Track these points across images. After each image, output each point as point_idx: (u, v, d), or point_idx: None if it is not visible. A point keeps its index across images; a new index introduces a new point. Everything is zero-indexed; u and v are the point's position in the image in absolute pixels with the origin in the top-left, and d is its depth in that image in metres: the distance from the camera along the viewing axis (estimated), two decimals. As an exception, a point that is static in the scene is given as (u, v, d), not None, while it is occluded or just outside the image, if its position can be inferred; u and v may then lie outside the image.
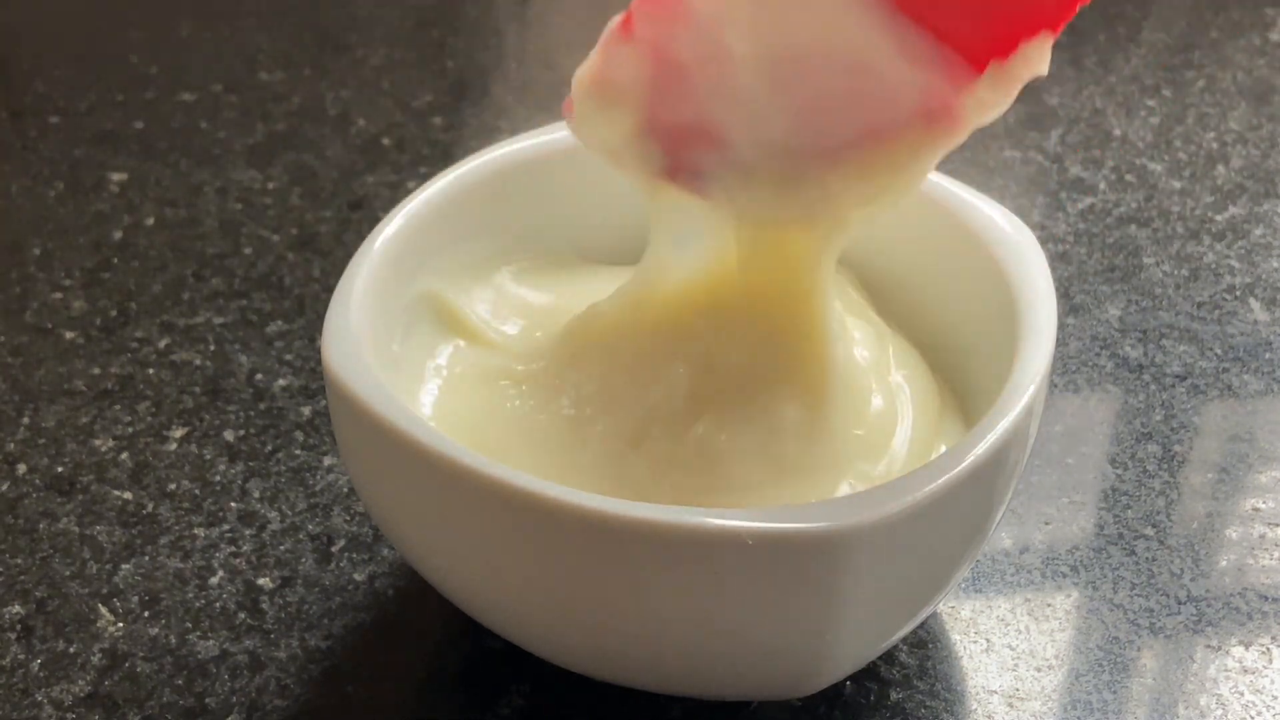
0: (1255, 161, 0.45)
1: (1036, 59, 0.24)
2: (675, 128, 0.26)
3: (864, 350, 0.29)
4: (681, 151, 0.26)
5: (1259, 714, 0.28)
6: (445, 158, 0.46)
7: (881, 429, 0.27)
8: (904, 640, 0.29)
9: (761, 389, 0.27)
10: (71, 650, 0.29)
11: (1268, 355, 0.37)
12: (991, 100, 0.24)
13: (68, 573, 0.31)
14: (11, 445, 0.34)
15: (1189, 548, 0.31)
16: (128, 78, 0.50)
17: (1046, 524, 0.32)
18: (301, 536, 0.31)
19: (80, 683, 0.28)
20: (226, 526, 0.32)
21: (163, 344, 0.37)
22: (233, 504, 0.32)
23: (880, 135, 0.25)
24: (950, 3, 0.24)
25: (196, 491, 0.33)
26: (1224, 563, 0.31)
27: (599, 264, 0.32)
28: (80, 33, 0.54)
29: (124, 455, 0.34)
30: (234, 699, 0.28)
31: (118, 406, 0.35)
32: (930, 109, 0.24)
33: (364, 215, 0.42)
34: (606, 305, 0.28)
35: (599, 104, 0.26)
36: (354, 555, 0.31)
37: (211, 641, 0.29)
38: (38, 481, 0.33)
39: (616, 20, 0.25)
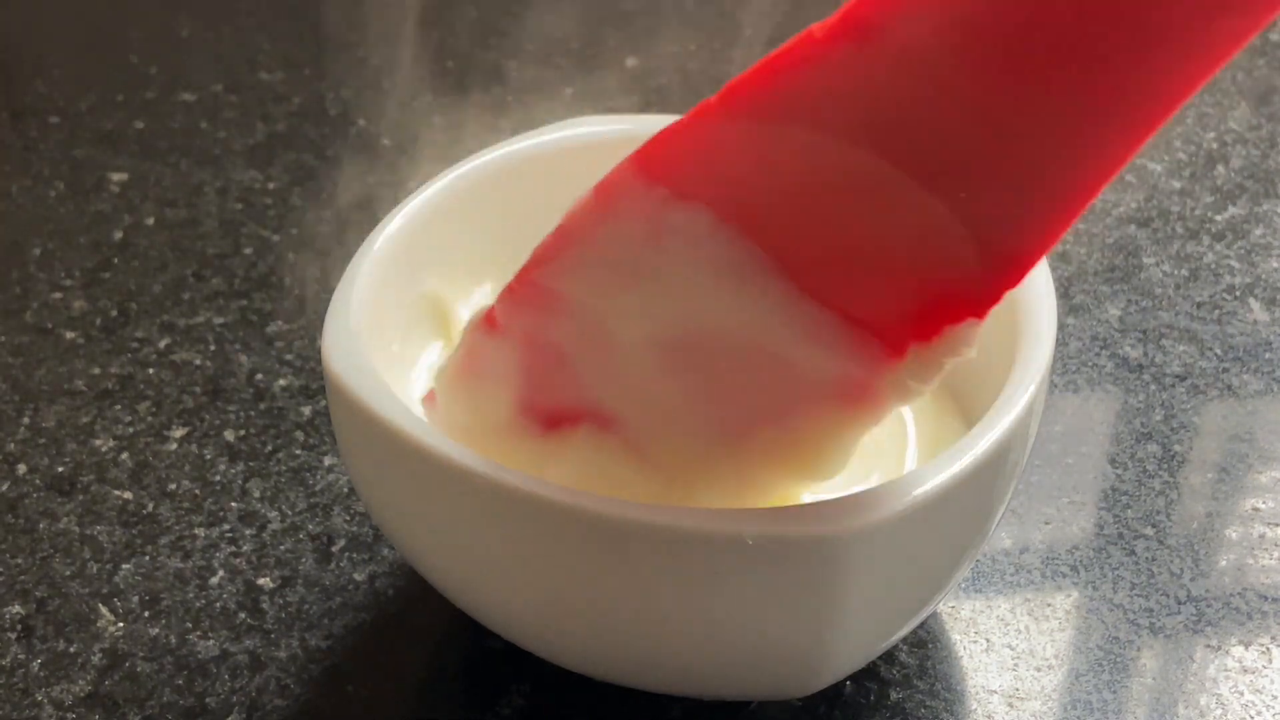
0: (1255, 161, 0.45)
1: (962, 342, 0.22)
2: (554, 410, 0.24)
3: None
4: (565, 427, 0.24)
5: (1259, 714, 0.28)
6: (445, 158, 0.46)
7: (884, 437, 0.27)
8: (904, 640, 0.29)
9: None
10: (72, 650, 0.29)
11: (1268, 355, 0.37)
12: (911, 385, 0.23)
13: (68, 573, 0.31)
14: (11, 445, 0.34)
15: (1189, 548, 0.31)
16: (128, 78, 0.50)
17: (1046, 524, 0.32)
18: (301, 536, 0.31)
19: (80, 683, 0.28)
20: (227, 526, 0.32)
21: (163, 344, 0.37)
22: (233, 504, 0.32)
23: (791, 415, 0.23)
24: (862, 293, 0.22)
25: (197, 491, 0.33)
26: (1224, 563, 0.31)
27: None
28: (80, 33, 0.54)
29: (124, 455, 0.34)
30: (234, 699, 0.28)
31: (118, 406, 0.35)
32: (845, 392, 0.23)
33: (364, 215, 0.42)
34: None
35: (467, 393, 0.24)
36: (354, 555, 0.31)
37: (211, 641, 0.29)
38: (38, 481, 0.33)
39: (478, 315, 0.24)
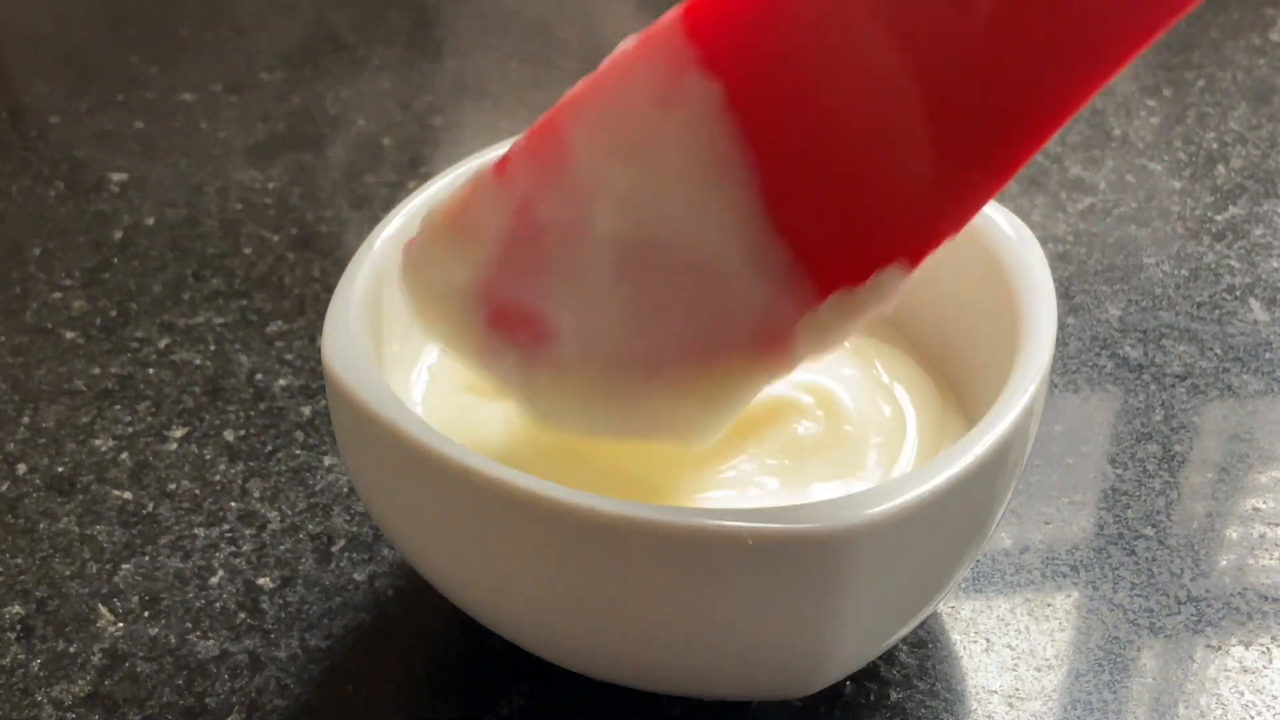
0: (1255, 161, 0.45)
1: (887, 289, 0.23)
2: (506, 302, 0.24)
3: (842, 379, 0.29)
4: (504, 328, 0.25)
5: (1259, 714, 0.28)
6: (445, 158, 0.46)
7: (886, 443, 0.28)
8: (904, 640, 0.29)
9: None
10: (71, 650, 0.29)
11: (1268, 355, 0.37)
12: (829, 325, 0.23)
13: (68, 573, 0.31)
14: (11, 445, 0.34)
15: (1189, 548, 0.31)
16: (128, 78, 0.50)
17: (1046, 524, 0.32)
18: (301, 536, 0.31)
19: (80, 683, 0.28)
20: (226, 526, 0.32)
21: (163, 344, 0.37)
22: (233, 504, 0.32)
23: (707, 352, 0.24)
24: (821, 220, 0.23)
25: (196, 491, 0.33)
26: (1224, 563, 0.31)
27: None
28: (80, 33, 0.54)
29: (124, 455, 0.34)
30: (234, 699, 0.28)
31: (118, 406, 0.35)
32: (764, 332, 0.23)
33: (364, 215, 0.42)
34: None
35: (445, 246, 0.24)
36: (354, 555, 0.31)
37: (211, 641, 0.29)
38: (38, 481, 0.33)
39: (491, 161, 0.24)
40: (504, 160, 0.24)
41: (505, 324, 0.24)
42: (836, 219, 0.23)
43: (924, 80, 0.21)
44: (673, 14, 0.23)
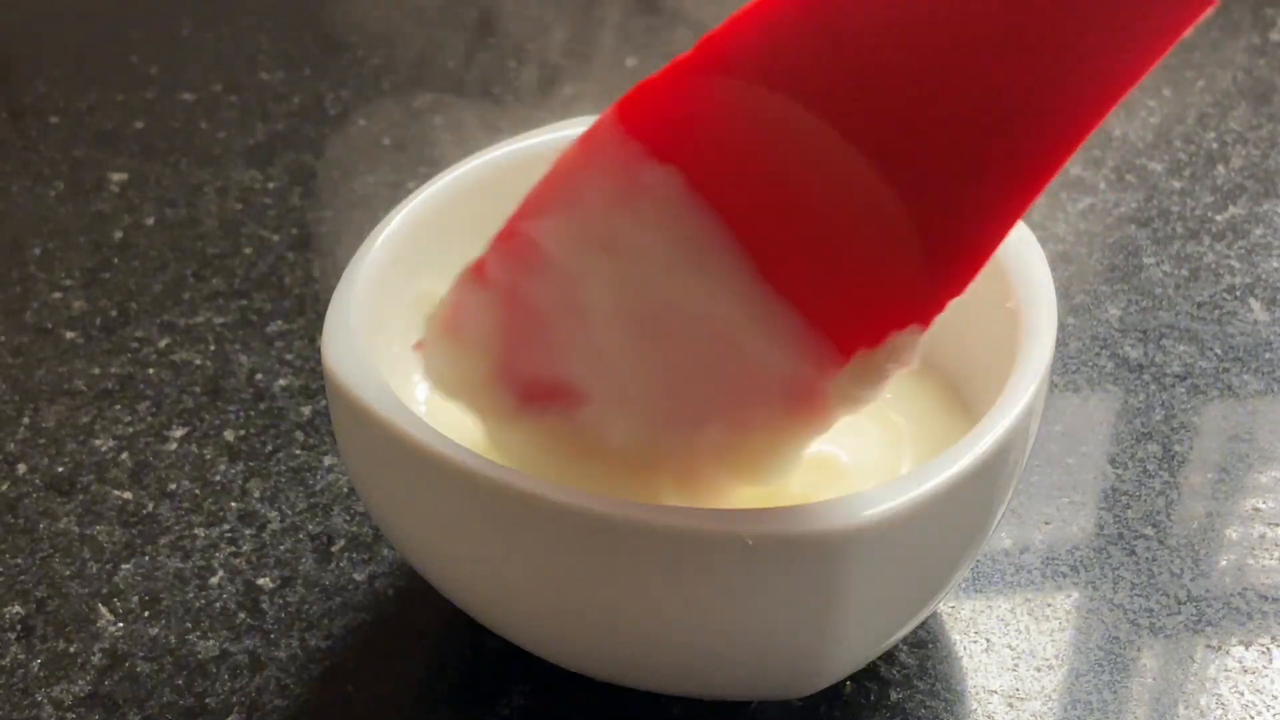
0: (1255, 161, 0.45)
1: (903, 352, 0.22)
2: (529, 380, 0.24)
3: None
4: (537, 403, 0.24)
5: (1259, 714, 0.28)
6: (445, 158, 0.46)
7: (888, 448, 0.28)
8: (904, 640, 0.29)
9: None
10: (71, 650, 0.29)
11: (1268, 355, 0.37)
12: (855, 393, 0.23)
13: (68, 573, 0.31)
14: (11, 445, 0.34)
15: (1189, 548, 0.31)
16: (128, 78, 0.50)
17: (1046, 524, 0.32)
18: (301, 536, 0.31)
19: (80, 683, 0.28)
20: (226, 526, 0.32)
21: (163, 344, 0.37)
22: (233, 504, 0.32)
23: (743, 411, 0.24)
24: (819, 285, 0.22)
25: (196, 491, 0.33)
26: (1224, 563, 0.31)
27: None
28: (80, 33, 0.54)
29: (124, 455, 0.34)
30: (234, 699, 0.28)
31: (118, 406, 0.35)
32: (794, 392, 0.23)
33: (364, 215, 0.42)
34: None
35: (450, 349, 0.25)
36: (354, 555, 0.31)
37: (211, 641, 0.29)
38: (38, 481, 0.33)
39: (471, 263, 0.24)
40: (479, 264, 0.24)
41: (536, 398, 0.24)
42: (830, 284, 0.22)
43: (888, 173, 0.21)
44: (606, 117, 0.22)
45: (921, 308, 0.22)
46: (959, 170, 0.21)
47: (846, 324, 0.22)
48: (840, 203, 0.22)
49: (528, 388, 0.24)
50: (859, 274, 0.22)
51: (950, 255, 0.22)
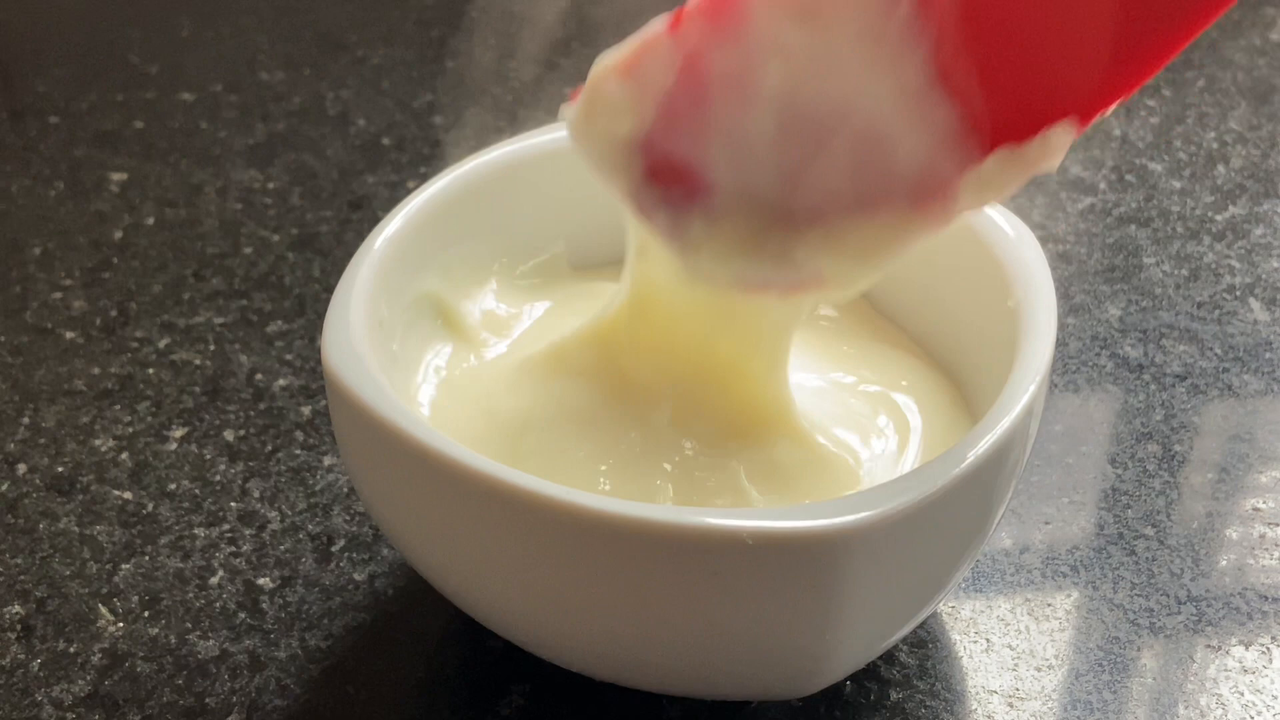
0: (1255, 161, 0.45)
1: (1054, 147, 0.22)
2: (666, 156, 0.25)
3: (858, 378, 0.29)
4: (660, 182, 0.25)
5: (1259, 714, 0.28)
6: (445, 158, 0.46)
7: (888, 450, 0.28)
8: (904, 640, 0.29)
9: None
10: (71, 650, 0.29)
11: (1268, 355, 0.37)
12: (991, 180, 0.23)
13: (68, 573, 0.31)
14: (11, 445, 0.34)
15: (1189, 548, 0.31)
16: (128, 78, 0.50)
17: (1046, 524, 0.32)
18: (301, 536, 0.31)
19: (80, 683, 0.28)
20: (226, 526, 0.32)
21: (163, 344, 0.37)
22: (233, 504, 0.32)
23: (865, 207, 0.24)
24: (992, 77, 0.22)
25: (196, 491, 0.33)
26: (1224, 563, 0.31)
27: (595, 270, 0.32)
28: (80, 33, 0.54)
29: (124, 455, 0.34)
30: (234, 699, 0.28)
31: (118, 406, 0.35)
32: (924, 188, 0.23)
33: (364, 215, 0.42)
34: (577, 344, 0.28)
35: (617, 94, 0.25)
36: (354, 555, 0.31)
37: (211, 641, 0.29)
38: (38, 481, 0.33)
39: (663, 18, 0.24)
40: (678, 15, 0.24)
41: (662, 177, 0.25)
42: (1007, 77, 0.22)
43: None
44: None
45: (1089, 101, 0.22)
46: None
47: (1003, 118, 0.23)
48: None
49: (661, 163, 0.25)
50: (1040, 61, 0.22)
51: (1139, 42, 0.22)
